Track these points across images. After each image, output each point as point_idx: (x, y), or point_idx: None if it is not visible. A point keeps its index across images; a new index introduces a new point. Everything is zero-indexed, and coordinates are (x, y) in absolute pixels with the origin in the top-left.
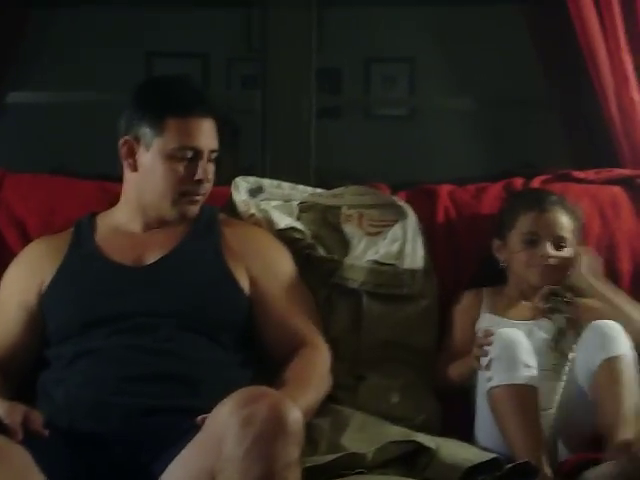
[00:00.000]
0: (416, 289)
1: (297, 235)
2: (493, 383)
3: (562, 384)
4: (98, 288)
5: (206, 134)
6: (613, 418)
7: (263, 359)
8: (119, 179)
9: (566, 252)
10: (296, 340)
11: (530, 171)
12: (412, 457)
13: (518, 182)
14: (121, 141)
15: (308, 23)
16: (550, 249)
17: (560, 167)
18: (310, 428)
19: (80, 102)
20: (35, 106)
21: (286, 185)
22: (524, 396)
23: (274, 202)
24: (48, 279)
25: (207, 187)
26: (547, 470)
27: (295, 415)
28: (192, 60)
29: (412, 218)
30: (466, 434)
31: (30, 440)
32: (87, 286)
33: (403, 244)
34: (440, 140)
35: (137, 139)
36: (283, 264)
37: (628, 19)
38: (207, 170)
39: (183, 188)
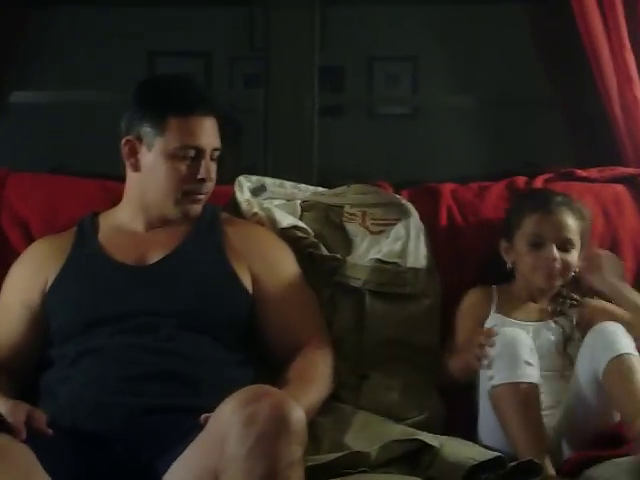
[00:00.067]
0: (419, 288)
1: (300, 234)
2: (495, 382)
3: (567, 386)
4: (101, 288)
5: (208, 133)
6: (632, 411)
7: (265, 358)
8: (121, 178)
9: (572, 254)
10: (299, 339)
11: (533, 170)
12: (415, 456)
13: (521, 181)
14: (123, 141)
15: (310, 22)
16: (555, 252)
17: (563, 166)
18: (313, 427)
19: (81, 102)
20: (36, 106)
21: (289, 184)
22: (526, 394)
23: (277, 201)
24: (51, 278)
25: (210, 186)
26: (550, 468)
27: (298, 414)
28: (194, 59)
29: (415, 217)
30: (469, 433)
31: (34, 439)
32: (90, 286)
33: (406, 243)
34: (443, 139)
35: (139, 139)
36: (286, 263)
37: (631, 18)
38: (210, 169)
39: (186, 187)
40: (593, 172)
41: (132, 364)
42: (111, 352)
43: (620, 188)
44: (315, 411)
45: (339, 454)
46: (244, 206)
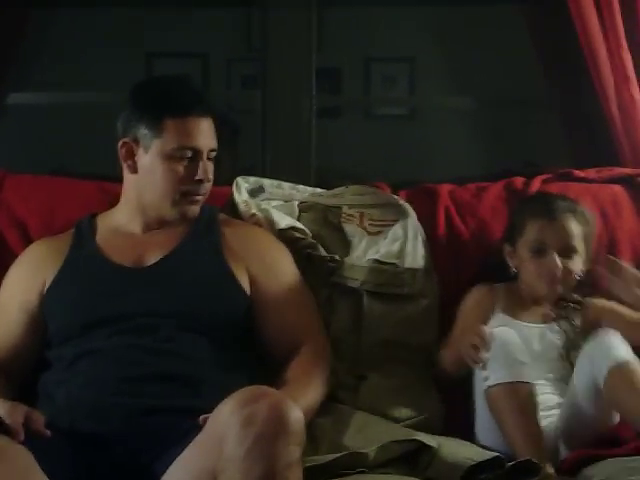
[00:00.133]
0: (417, 288)
1: (298, 235)
2: (490, 382)
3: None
4: (99, 289)
5: (205, 133)
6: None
7: (264, 359)
8: (119, 179)
9: (575, 261)
10: (297, 340)
11: (531, 170)
12: (414, 456)
13: (518, 181)
14: (120, 143)
15: (308, 23)
16: (558, 260)
17: (561, 166)
18: (311, 427)
19: (80, 103)
20: (35, 107)
21: (286, 185)
22: (521, 393)
23: (274, 202)
24: (49, 280)
25: (207, 187)
26: (548, 467)
27: (296, 415)
28: (192, 60)
29: (413, 217)
30: (467, 433)
31: (32, 440)
32: (88, 287)
33: (404, 243)
34: (440, 140)
35: (136, 141)
36: (284, 264)
37: (628, 18)
38: (207, 170)
39: (183, 188)
40: (591, 172)
41: (131, 365)
42: (109, 353)
43: (618, 189)
44: (313, 412)
45: (337, 455)
46: (242, 207)
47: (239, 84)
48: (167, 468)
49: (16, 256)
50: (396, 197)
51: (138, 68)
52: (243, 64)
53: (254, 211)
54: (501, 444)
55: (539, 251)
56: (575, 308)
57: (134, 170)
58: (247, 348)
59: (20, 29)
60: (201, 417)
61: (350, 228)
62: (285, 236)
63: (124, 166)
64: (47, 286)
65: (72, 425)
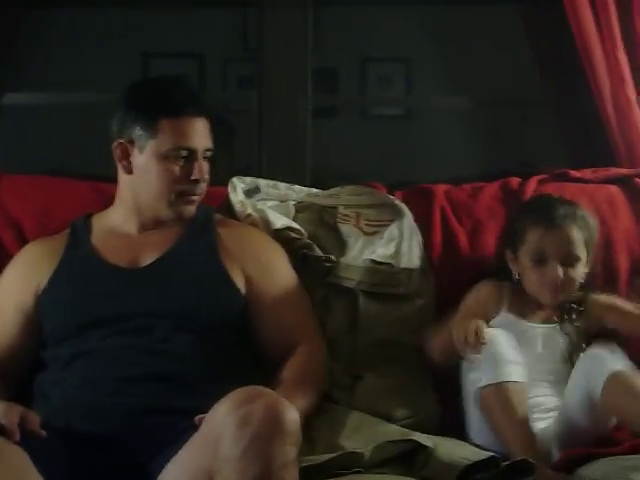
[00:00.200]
0: (412, 288)
1: (293, 235)
2: (481, 383)
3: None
4: (94, 290)
5: (200, 133)
6: None
7: (260, 359)
8: (114, 180)
9: (578, 268)
10: (292, 340)
11: (527, 170)
12: (409, 456)
13: (514, 182)
14: (115, 144)
15: (304, 23)
16: (559, 270)
17: (557, 166)
18: (307, 427)
19: (76, 103)
20: (31, 107)
21: (282, 185)
22: (511, 392)
23: (270, 202)
24: (44, 281)
25: (203, 187)
26: (543, 465)
27: (292, 415)
28: (188, 60)
29: (408, 217)
30: (463, 433)
31: (27, 441)
32: (83, 288)
33: (399, 243)
34: (437, 140)
35: (131, 141)
36: (279, 264)
37: (624, 18)
38: (203, 169)
39: (179, 188)
40: (587, 173)
41: (127, 365)
42: (105, 354)
43: (614, 189)
44: (309, 412)
45: (333, 454)
46: (238, 207)
47: (235, 84)
48: (163, 468)
49: (11, 257)
50: (392, 197)
51: (134, 68)
52: (239, 64)
53: (250, 211)
54: (493, 445)
55: (540, 260)
56: (578, 309)
57: (129, 171)
58: (243, 348)
59: (16, 29)
60: (197, 417)
61: (346, 228)
62: (281, 236)
63: (119, 167)
64: (42, 287)
65: (68, 425)
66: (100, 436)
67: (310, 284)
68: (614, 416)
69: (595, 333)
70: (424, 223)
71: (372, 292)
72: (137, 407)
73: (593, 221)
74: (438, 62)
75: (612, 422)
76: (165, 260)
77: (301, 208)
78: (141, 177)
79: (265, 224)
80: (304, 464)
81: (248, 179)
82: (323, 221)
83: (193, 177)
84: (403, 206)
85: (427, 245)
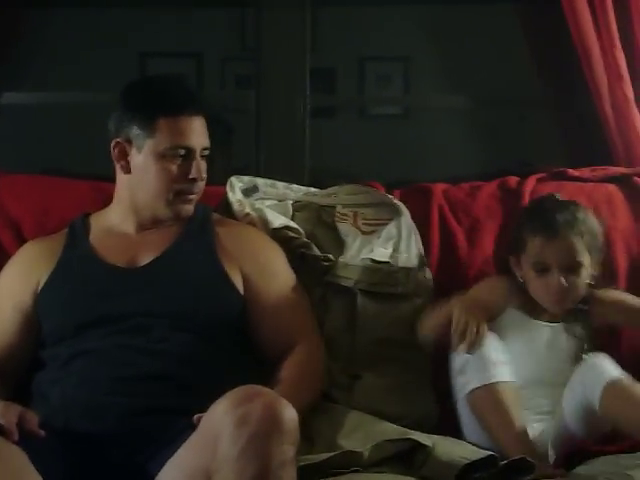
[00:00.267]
0: (411, 287)
1: (292, 234)
2: (470, 387)
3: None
4: (92, 289)
5: (197, 132)
6: None
7: (258, 358)
8: (113, 179)
9: (582, 274)
10: (290, 339)
11: (525, 170)
12: (408, 455)
13: (513, 181)
14: (112, 143)
15: (302, 23)
16: (562, 279)
17: (555, 165)
18: (306, 427)
19: (75, 103)
20: (29, 107)
21: (281, 184)
22: (501, 393)
23: (268, 201)
24: (43, 280)
25: (201, 186)
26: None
27: (290, 414)
28: (186, 60)
29: (406, 216)
30: (462, 432)
31: (26, 440)
32: (81, 287)
33: (398, 242)
34: (435, 139)
35: (129, 141)
36: (277, 263)
37: (621, 17)
38: (200, 168)
39: (177, 187)
40: (585, 172)
41: (125, 365)
42: (103, 354)
43: (612, 188)
44: (307, 411)
45: (332, 454)
46: (236, 207)
47: (233, 84)
48: (161, 468)
49: (10, 256)
50: (390, 196)
51: (131, 68)
52: (237, 64)
53: (248, 210)
54: (489, 447)
55: (542, 270)
56: (583, 308)
57: (127, 170)
58: (241, 348)
59: (14, 29)
60: (195, 417)
61: (344, 227)
62: (279, 235)
63: (117, 166)
64: (41, 286)
65: (66, 425)
66: (98, 435)
67: (308, 283)
68: (613, 425)
69: (601, 330)
70: (422, 222)
71: (370, 291)
72: (135, 407)
73: (595, 221)
74: (436, 61)
75: (607, 430)
76: (163, 260)
77: (299, 207)
78: (139, 176)
79: (263, 223)
80: (302, 463)
81: (246, 178)
82: (321, 220)
83: (191, 176)
84: (401, 205)
85: (425, 244)
